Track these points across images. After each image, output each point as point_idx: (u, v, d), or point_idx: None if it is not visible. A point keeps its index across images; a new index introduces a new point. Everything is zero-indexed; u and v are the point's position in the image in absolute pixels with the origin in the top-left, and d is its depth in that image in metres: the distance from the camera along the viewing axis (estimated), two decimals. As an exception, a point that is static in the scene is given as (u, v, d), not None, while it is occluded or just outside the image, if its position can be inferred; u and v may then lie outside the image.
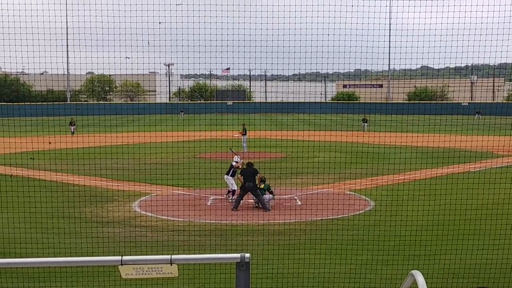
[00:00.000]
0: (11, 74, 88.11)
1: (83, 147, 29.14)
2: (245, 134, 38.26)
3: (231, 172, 20.89)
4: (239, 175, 19.81)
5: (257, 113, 75.61)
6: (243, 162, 21.31)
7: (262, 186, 19.63)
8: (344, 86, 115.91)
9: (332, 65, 19.49)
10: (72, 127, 52.23)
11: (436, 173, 25.89)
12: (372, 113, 61.09)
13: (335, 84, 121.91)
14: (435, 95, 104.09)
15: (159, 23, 14.14)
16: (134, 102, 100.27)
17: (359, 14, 16.30)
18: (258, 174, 19.50)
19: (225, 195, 21.13)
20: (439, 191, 17.85)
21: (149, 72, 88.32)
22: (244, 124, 39.00)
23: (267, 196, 19.66)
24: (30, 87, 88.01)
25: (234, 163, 21.03)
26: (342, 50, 16.51)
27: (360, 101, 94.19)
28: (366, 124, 55.00)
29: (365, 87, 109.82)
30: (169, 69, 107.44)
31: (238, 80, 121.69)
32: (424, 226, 15.30)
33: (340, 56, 17.17)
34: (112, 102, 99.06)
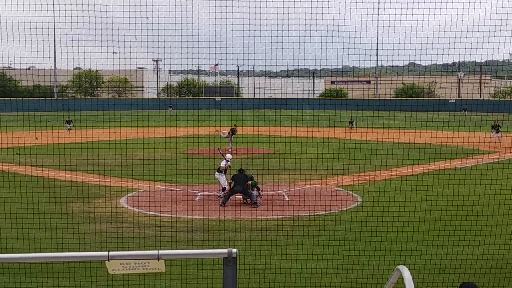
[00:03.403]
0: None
1: (70, 143, 28.96)
2: (234, 134, 37.66)
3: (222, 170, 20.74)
4: (229, 181, 19.72)
5: (246, 109, 75.58)
6: (229, 166, 21.07)
7: (249, 182, 19.61)
8: (332, 82, 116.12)
9: (320, 61, 19.56)
10: (68, 125, 51.58)
11: (423, 169, 26.03)
12: (359, 110, 61.24)
13: (323, 80, 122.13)
14: (422, 92, 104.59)
15: (147, 18, 14.08)
16: (122, 97, 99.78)
17: (347, 11, 16.33)
18: (248, 182, 19.42)
19: (220, 192, 20.85)
20: (426, 187, 17.95)
21: (137, 67, 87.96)
22: (235, 125, 38.27)
23: (255, 192, 19.66)
24: (17, 82, 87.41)
25: (222, 165, 20.86)
26: (330, 46, 16.55)
27: (348, 98, 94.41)
28: (352, 124, 54.85)
29: (353, 84, 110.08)
30: (157, 64, 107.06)
31: (226, 76, 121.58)
32: (411, 222, 15.38)
33: (328, 53, 17.20)
34: (99, 97, 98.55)
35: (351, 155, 26.36)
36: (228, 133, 37.41)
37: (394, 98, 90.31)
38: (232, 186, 19.31)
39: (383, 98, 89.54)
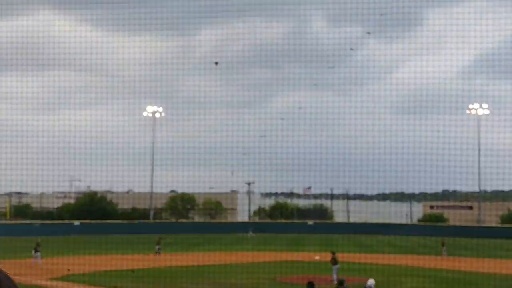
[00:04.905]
0: (99, 193, 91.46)
1: (165, 267, 28.92)
2: (336, 264, 32.21)
3: None
4: None
5: (339, 233, 73.81)
6: None
7: None
8: (431, 207, 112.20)
9: (419, 184, 18.89)
10: (157, 246, 51.88)
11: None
12: (462, 236, 58.21)
13: (421, 204, 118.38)
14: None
15: (243, 151, 14.10)
16: (215, 220, 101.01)
17: (445, 132, 15.74)
18: None
19: None
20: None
21: (230, 190, 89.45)
22: (333, 253, 31.38)
23: None
24: (116, 205, 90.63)
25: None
26: (429, 169, 15.88)
27: (449, 224, 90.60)
28: (444, 247, 52.07)
29: (454, 209, 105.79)
30: (249, 187, 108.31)
31: (320, 198, 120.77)
32: None
33: (427, 176, 16.47)
34: (194, 220, 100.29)
35: (454, 286, 24.52)
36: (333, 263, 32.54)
37: (500, 226, 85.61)
38: None
39: (487, 225, 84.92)
